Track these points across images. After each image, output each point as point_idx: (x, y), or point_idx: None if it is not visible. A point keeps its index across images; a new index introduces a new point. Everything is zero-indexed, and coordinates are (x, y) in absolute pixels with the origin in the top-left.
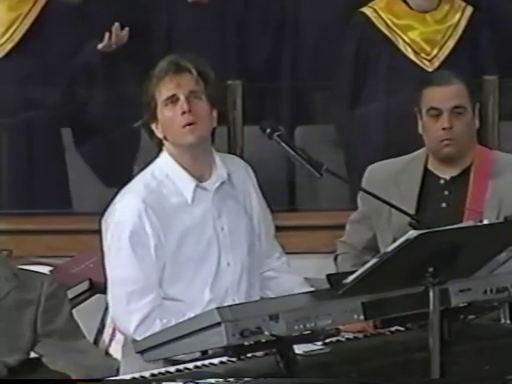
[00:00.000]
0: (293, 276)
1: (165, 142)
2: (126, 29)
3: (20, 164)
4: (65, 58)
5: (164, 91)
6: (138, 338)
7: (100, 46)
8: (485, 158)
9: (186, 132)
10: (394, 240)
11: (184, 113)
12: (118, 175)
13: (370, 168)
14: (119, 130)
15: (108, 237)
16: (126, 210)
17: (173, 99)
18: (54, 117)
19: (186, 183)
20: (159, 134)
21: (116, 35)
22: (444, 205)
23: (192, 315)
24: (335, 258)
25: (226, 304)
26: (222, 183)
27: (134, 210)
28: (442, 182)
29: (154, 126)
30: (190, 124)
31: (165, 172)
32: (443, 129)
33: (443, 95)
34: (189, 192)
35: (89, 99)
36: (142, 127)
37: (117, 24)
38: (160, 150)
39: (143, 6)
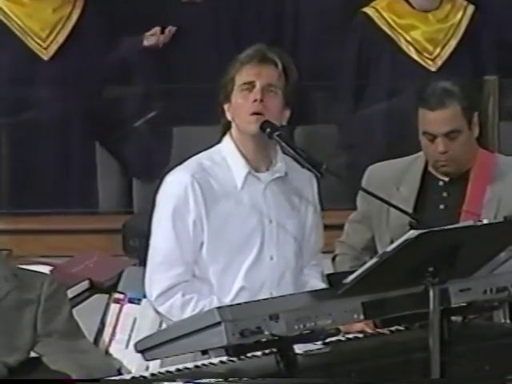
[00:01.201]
0: (317, 282)
1: (232, 124)
2: (174, 28)
3: (21, 164)
4: (103, 56)
5: (244, 76)
6: (159, 309)
7: (147, 42)
8: (485, 161)
9: (252, 120)
10: (392, 241)
11: (255, 101)
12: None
13: (370, 168)
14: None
15: (156, 207)
16: (174, 182)
17: (249, 86)
18: (63, 115)
19: (239, 169)
20: (229, 116)
21: (167, 34)
22: (442, 206)
23: (215, 299)
24: (333, 259)
25: (260, 296)
26: (279, 178)
27: (181, 183)
28: (441, 183)
29: (226, 107)
30: (257, 113)
31: (222, 155)
32: (439, 152)
33: (436, 121)
34: (240, 177)
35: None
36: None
37: (170, 27)
38: (223, 134)
39: (138, 7)
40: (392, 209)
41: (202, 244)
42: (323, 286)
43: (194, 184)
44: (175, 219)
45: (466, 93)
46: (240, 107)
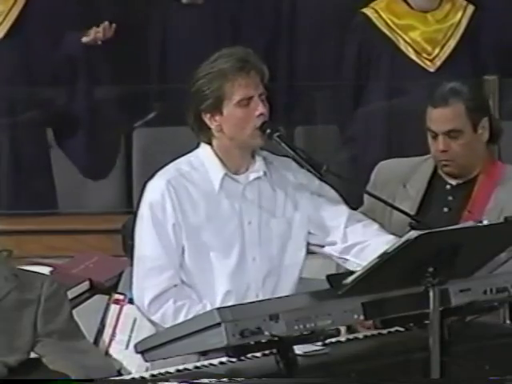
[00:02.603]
0: (378, 238)
1: (216, 133)
2: (113, 25)
3: (21, 164)
4: (47, 54)
5: (242, 91)
6: (152, 317)
7: (85, 39)
8: (493, 169)
9: (259, 134)
10: None
11: (261, 115)
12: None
13: (380, 164)
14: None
15: (138, 215)
16: (152, 189)
17: (248, 100)
18: (50, 116)
19: (216, 172)
20: (213, 125)
21: (104, 31)
22: (446, 209)
23: (208, 304)
24: None
25: (247, 298)
26: (258, 179)
27: (158, 189)
28: (447, 186)
29: (206, 117)
30: (263, 124)
31: (201, 160)
32: (439, 150)
33: (438, 118)
34: (217, 180)
35: (71, 95)
36: (187, 113)
37: (106, 22)
38: (205, 140)
39: (137, 7)
40: None
41: (183, 249)
42: (384, 238)
43: (170, 189)
44: (156, 225)
45: (474, 94)
46: (242, 122)
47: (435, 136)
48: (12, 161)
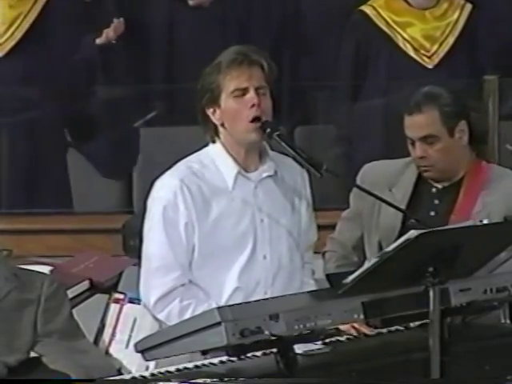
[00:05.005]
0: (305, 284)
1: (220, 128)
2: (121, 19)
3: (20, 164)
4: (65, 56)
5: (235, 82)
6: (158, 316)
7: (98, 40)
8: (478, 171)
9: (253, 128)
10: (379, 242)
11: (253, 106)
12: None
13: (365, 167)
14: (120, 128)
15: (147, 212)
16: (163, 187)
17: (242, 91)
18: (54, 116)
19: (229, 169)
20: (216, 120)
21: (114, 28)
22: (433, 213)
23: (213, 304)
24: (323, 254)
25: (255, 295)
26: (269, 177)
27: (170, 187)
28: (433, 190)
29: (210, 112)
30: (257, 118)
31: (211, 157)
32: (416, 157)
33: (412, 125)
34: (230, 178)
35: (89, 97)
36: (197, 111)
37: (115, 19)
38: (212, 138)
39: (144, 9)
40: (383, 210)
41: (194, 247)
42: (309, 286)
43: (183, 188)
44: (166, 224)
45: (450, 99)
46: (235, 114)
47: (413, 142)
48: (12, 161)
